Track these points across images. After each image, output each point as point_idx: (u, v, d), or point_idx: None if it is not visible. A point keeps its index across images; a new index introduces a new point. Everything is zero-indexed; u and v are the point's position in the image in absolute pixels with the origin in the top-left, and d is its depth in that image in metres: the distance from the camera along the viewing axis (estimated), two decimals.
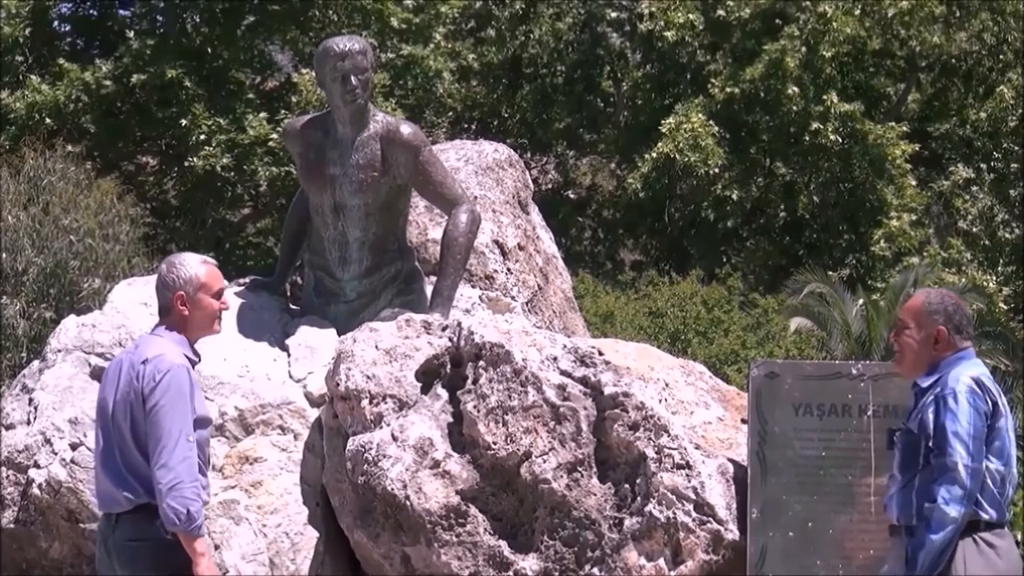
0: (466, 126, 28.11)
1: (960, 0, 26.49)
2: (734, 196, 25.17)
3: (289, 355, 6.70)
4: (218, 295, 5.02)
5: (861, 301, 21.00)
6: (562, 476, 5.81)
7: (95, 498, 5.21)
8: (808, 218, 26.13)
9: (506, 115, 28.86)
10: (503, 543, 5.82)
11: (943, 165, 27.32)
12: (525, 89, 28.65)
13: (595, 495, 5.80)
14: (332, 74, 6.69)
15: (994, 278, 23.89)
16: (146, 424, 4.76)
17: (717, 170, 24.53)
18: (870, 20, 25.48)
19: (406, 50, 22.11)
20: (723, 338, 20.50)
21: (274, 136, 19.91)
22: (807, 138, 24.80)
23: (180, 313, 4.94)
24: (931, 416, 4.83)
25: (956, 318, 4.99)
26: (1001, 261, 25.20)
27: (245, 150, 20.67)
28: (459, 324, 6.28)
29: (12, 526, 6.36)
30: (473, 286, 7.51)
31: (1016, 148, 26.06)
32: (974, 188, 26.35)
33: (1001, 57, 27.05)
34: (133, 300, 6.85)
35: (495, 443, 5.89)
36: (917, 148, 25.40)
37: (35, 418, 6.46)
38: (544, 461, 5.83)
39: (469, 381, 6.07)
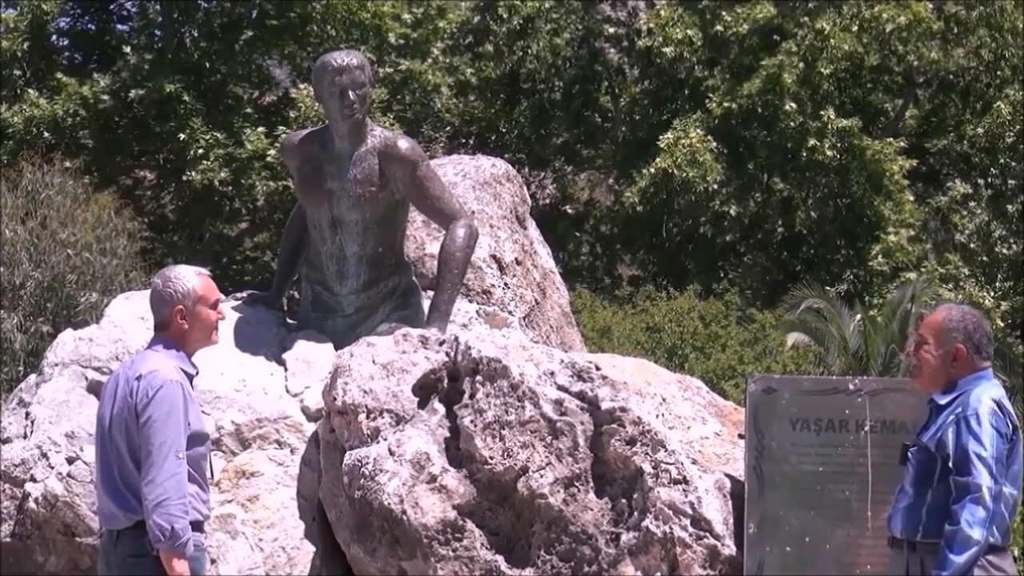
0: (464, 141, 28.11)
1: (958, 16, 26.55)
2: (732, 211, 25.24)
3: (286, 369, 6.69)
4: (215, 306, 5.02)
5: (858, 316, 21.03)
6: (559, 491, 5.80)
7: (97, 514, 5.20)
8: (806, 233, 26.13)
9: (504, 130, 28.85)
10: (500, 558, 5.81)
11: (941, 181, 27.36)
12: (523, 104, 28.66)
13: (592, 510, 5.79)
14: (330, 89, 6.70)
15: (991, 294, 23.90)
16: (139, 439, 4.75)
17: (715, 185, 24.59)
18: (868, 36, 25.52)
19: (404, 65, 22.19)
20: (720, 353, 20.46)
21: (272, 151, 19.95)
22: (805, 154, 24.82)
23: (179, 327, 4.93)
24: (951, 436, 4.81)
25: (976, 337, 4.96)
26: (998, 277, 25.21)
27: (243, 164, 20.71)
28: (456, 339, 6.28)
29: (8, 540, 6.35)
30: (470, 301, 7.51)
31: (1013, 164, 26.09)
32: (971, 204, 26.39)
33: (998, 73, 27.10)
34: (130, 314, 6.85)
35: (492, 458, 5.88)
36: (915, 164, 25.44)
37: (32, 432, 6.45)
38: (541, 476, 5.82)
39: (466, 396, 6.07)
